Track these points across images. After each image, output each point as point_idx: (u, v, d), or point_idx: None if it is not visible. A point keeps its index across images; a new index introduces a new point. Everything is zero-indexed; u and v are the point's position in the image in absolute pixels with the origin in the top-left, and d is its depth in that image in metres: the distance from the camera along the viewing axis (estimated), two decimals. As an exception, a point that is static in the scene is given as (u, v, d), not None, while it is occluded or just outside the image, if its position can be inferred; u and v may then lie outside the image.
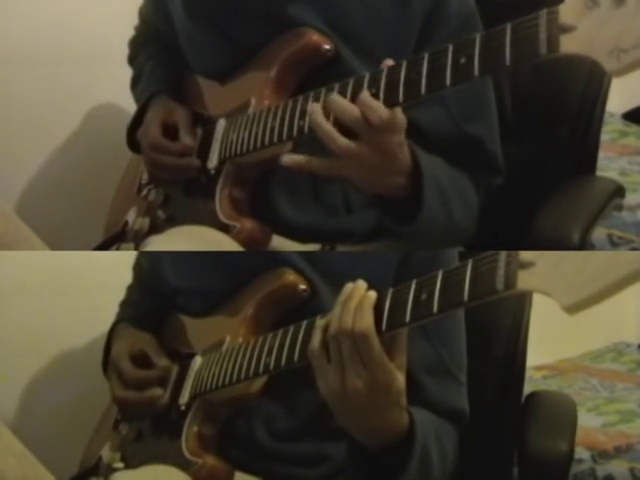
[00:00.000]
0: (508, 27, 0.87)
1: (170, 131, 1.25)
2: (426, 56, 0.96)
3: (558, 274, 0.73)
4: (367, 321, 0.88)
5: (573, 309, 0.72)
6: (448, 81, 0.93)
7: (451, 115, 1.16)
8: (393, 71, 0.99)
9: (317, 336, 0.91)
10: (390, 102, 0.98)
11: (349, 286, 0.92)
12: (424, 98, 0.96)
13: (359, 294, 0.90)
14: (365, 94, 0.99)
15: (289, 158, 1.05)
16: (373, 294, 0.90)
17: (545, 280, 0.74)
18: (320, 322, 0.93)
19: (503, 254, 0.79)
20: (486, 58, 0.90)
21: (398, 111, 0.99)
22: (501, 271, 0.78)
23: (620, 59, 0.77)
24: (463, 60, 0.91)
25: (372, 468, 0.95)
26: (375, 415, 0.90)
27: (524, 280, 0.76)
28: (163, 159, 1.24)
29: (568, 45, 0.82)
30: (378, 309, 0.89)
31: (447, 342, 1.09)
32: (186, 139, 1.23)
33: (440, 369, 1.07)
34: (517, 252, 0.78)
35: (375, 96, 0.99)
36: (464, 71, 0.92)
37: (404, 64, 0.98)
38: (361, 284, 0.92)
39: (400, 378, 0.89)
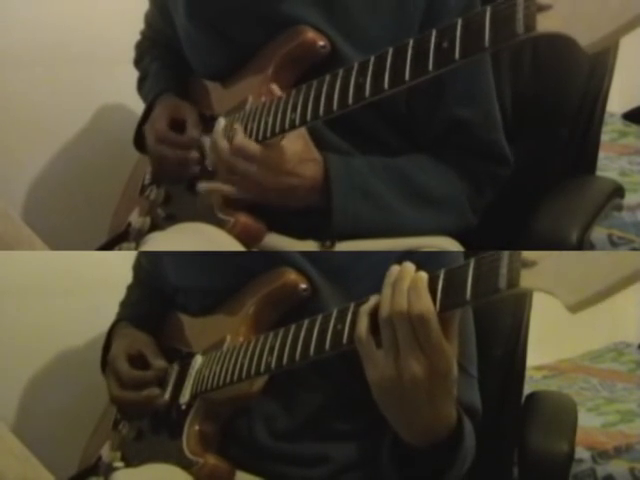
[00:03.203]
0: (488, 9, 0.88)
1: (177, 126, 1.26)
2: (411, 42, 0.97)
3: (561, 273, 0.73)
4: (426, 302, 0.82)
5: (576, 308, 0.72)
6: (431, 66, 0.94)
7: (443, 98, 1.17)
8: (380, 59, 1.00)
9: (363, 321, 0.86)
10: (376, 90, 0.99)
11: (395, 268, 0.86)
12: (409, 84, 0.97)
13: (410, 274, 0.85)
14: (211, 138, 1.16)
15: (203, 186, 1.20)
16: (425, 274, 0.84)
17: (548, 279, 0.74)
18: (365, 306, 0.87)
19: (506, 253, 0.78)
20: (466, 41, 0.90)
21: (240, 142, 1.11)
22: (504, 270, 0.77)
23: (595, 35, 0.77)
24: (445, 44, 0.92)
25: (413, 468, 0.91)
26: (429, 405, 0.84)
27: (527, 279, 0.76)
28: (168, 152, 1.25)
29: (545, 24, 0.82)
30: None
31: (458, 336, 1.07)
32: (193, 132, 1.23)
33: None
34: (519, 251, 0.77)
35: (362, 85, 1.00)
36: (446, 55, 0.92)
37: (390, 51, 0.99)
38: (409, 265, 0.86)
39: (456, 365, 0.84)
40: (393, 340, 0.83)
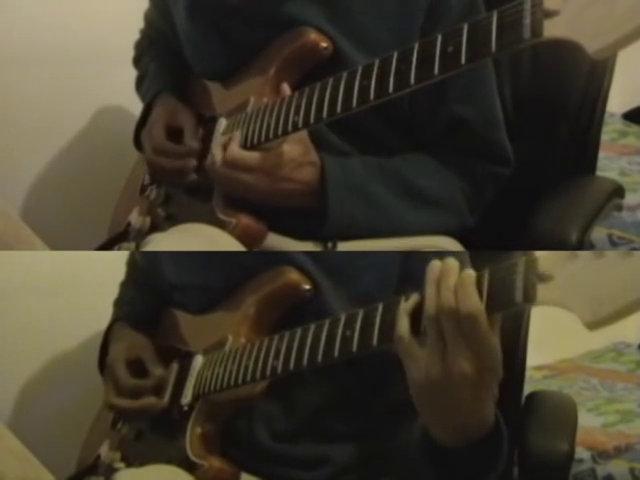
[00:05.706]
0: (494, 14, 0.88)
1: (174, 133, 1.26)
2: (416, 46, 0.97)
3: (578, 288, 0.71)
4: (475, 300, 0.79)
5: (595, 326, 0.71)
6: (436, 70, 0.94)
7: (444, 97, 1.17)
8: (385, 63, 1.00)
9: (404, 321, 0.84)
10: (381, 94, 1.00)
11: (437, 264, 0.84)
12: (414, 88, 0.97)
13: (454, 271, 0.82)
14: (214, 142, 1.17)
15: None
16: (472, 272, 0.81)
17: (565, 294, 0.72)
18: (405, 305, 0.85)
19: (522, 258, 0.76)
20: (473, 46, 0.90)
21: (233, 152, 1.12)
22: (520, 284, 0.76)
23: (602, 41, 0.77)
24: (451, 49, 0.92)
25: (449, 468, 0.89)
26: (471, 404, 0.83)
27: (543, 294, 0.74)
28: (165, 162, 1.24)
29: (552, 30, 0.82)
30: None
31: None
32: (190, 142, 1.23)
33: None
34: (535, 261, 0.75)
35: (367, 88, 1.00)
36: (452, 60, 0.93)
37: (395, 55, 0.99)
38: (452, 261, 0.83)
39: (501, 362, 0.83)
40: (440, 338, 0.81)
